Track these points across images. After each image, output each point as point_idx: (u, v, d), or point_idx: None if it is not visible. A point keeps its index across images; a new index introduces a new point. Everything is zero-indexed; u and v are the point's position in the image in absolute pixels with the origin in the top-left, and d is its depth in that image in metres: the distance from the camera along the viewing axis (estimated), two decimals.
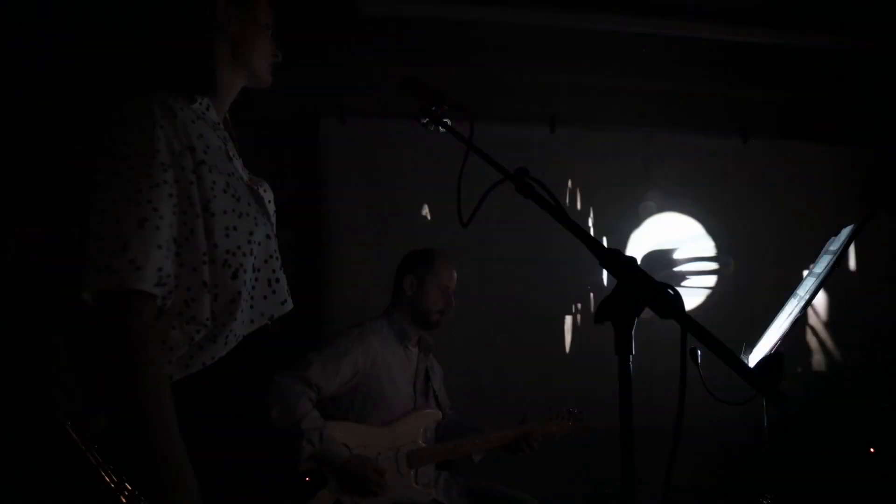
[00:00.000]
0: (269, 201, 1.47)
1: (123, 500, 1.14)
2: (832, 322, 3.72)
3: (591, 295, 3.82)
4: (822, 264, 2.33)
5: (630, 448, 1.04)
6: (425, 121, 1.48)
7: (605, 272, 3.62)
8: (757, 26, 3.43)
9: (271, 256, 1.36)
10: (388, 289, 2.77)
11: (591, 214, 3.85)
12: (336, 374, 2.48)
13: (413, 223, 3.64)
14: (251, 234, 1.31)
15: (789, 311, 2.36)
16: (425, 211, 3.68)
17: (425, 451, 2.58)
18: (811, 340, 3.77)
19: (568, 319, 3.80)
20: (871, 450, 3.35)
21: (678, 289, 1.04)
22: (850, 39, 3.52)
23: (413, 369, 2.69)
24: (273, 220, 1.46)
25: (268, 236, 1.36)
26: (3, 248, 3.16)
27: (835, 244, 2.33)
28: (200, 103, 1.36)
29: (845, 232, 2.30)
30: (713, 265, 3.91)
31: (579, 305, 3.80)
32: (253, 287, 1.33)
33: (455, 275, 2.73)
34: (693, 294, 3.86)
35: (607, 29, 3.39)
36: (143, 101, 1.25)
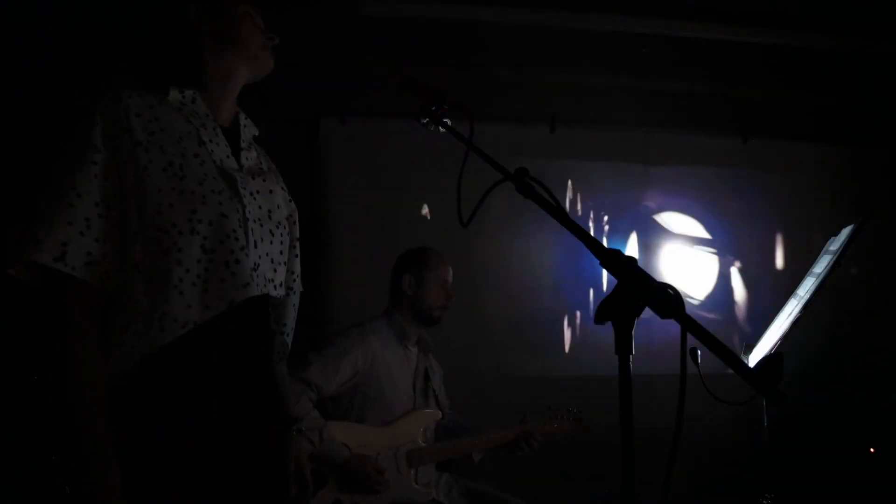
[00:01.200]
0: (271, 191, 1.46)
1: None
2: (832, 322, 3.72)
3: (591, 295, 3.82)
4: (822, 264, 2.33)
5: (630, 448, 1.04)
6: (425, 121, 1.48)
7: (605, 272, 3.61)
8: (757, 26, 3.43)
9: (228, 237, 1.31)
10: (387, 289, 2.77)
11: (591, 214, 3.85)
12: (336, 374, 2.48)
13: (413, 223, 3.63)
14: (193, 211, 1.29)
15: (789, 311, 2.36)
16: (425, 211, 3.68)
17: (425, 450, 2.58)
18: (811, 340, 3.76)
19: (568, 319, 3.79)
20: (871, 450, 3.35)
21: (678, 289, 1.04)
22: (850, 39, 3.52)
23: (413, 369, 2.69)
24: (264, 210, 1.41)
25: (223, 215, 1.31)
26: (2, 248, 3.16)
27: (835, 244, 2.34)
28: (184, 95, 1.40)
29: (845, 232, 2.31)
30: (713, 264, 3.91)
31: (579, 305, 3.80)
32: (206, 269, 1.29)
33: (451, 269, 2.73)
34: (692, 295, 3.86)
35: (607, 29, 3.39)
36: (99, 94, 1.31)
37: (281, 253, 1.46)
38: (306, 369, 2.44)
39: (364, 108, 3.58)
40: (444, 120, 1.47)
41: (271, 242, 1.41)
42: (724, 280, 3.89)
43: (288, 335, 1.61)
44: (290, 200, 1.53)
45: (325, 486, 2.41)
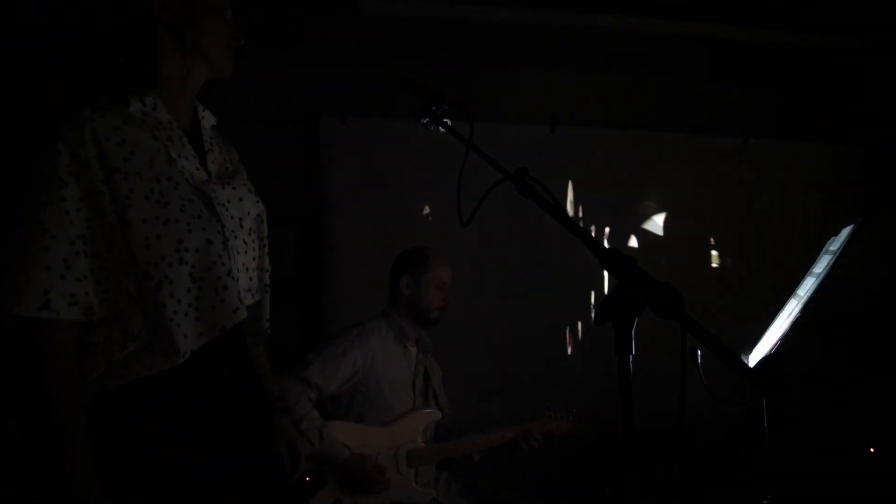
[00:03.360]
0: (241, 199, 1.40)
1: None
2: (832, 322, 3.72)
3: (592, 295, 3.82)
4: (822, 264, 2.33)
5: (630, 448, 1.04)
6: (425, 121, 1.48)
7: (605, 272, 3.62)
8: (757, 26, 3.43)
9: (215, 263, 1.29)
10: (387, 289, 2.77)
11: (592, 214, 3.85)
12: (335, 374, 2.48)
13: (413, 223, 3.63)
14: (180, 241, 1.24)
15: (789, 311, 2.36)
16: (426, 211, 3.68)
17: (425, 450, 2.58)
18: (811, 340, 3.76)
19: (568, 319, 3.79)
20: (871, 450, 3.35)
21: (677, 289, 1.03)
22: (849, 39, 3.52)
23: (412, 369, 2.69)
24: (236, 219, 1.38)
25: (209, 241, 1.28)
26: None
27: (835, 244, 2.33)
28: (144, 103, 1.30)
29: (845, 232, 2.30)
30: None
31: (580, 306, 3.80)
32: (197, 298, 1.27)
33: (450, 270, 2.72)
34: (691, 295, 3.85)
35: (607, 29, 3.39)
36: (57, 119, 1.23)
37: (254, 259, 1.44)
38: (306, 369, 2.44)
39: (364, 108, 3.58)
40: (444, 120, 1.47)
41: (245, 252, 1.40)
42: (723, 280, 3.89)
43: (268, 321, 1.58)
44: (257, 201, 1.46)
45: (325, 485, 2.41)
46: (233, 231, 1.36)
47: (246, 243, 1.40)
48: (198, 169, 1.35)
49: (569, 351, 3.77)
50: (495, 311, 3.64)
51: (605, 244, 1.14)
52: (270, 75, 3.35)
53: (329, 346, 2.54)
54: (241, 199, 1.40)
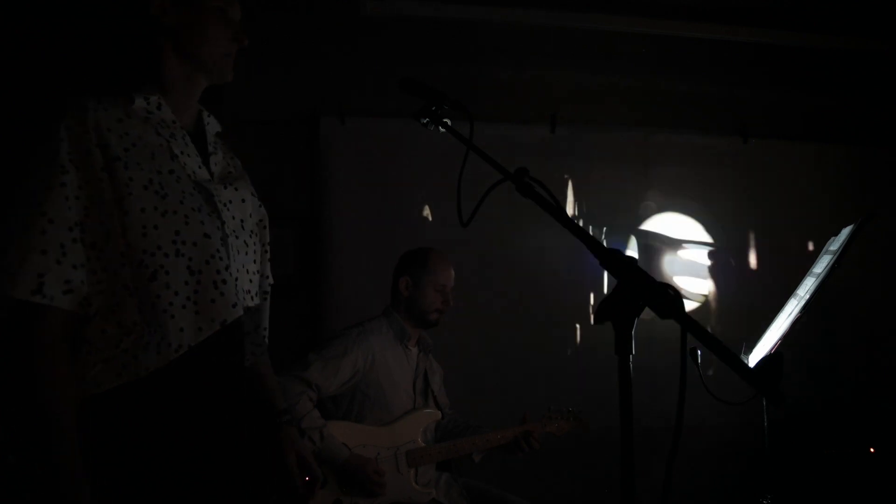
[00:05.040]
0: (244, 200, 1.42)
1: None
2: (832, 322, 3.72)
3: (592, 295, 3.82)
4: (822, 264, 2.33)
5: (630, 448, 1.03)
6: (425, 121, 1.48)
7: (605, 272, 3.62)
8: (757, 26, 3.43)
9: (213, 257, 1.29)
10: (388, 289, 2.76)
11: (591, 214, 3.85)
12: (335, 374, 2.48)
13: (413, 223, 3.64)
14: (177, 233, 1.25)
15: (789, 311, 2.36)
16: (425, 211, 3.68)
17: (425, 450, 2.58)
18: (811, 340, 3.76)
19: (568, 319, 3.79)
20: (871, 450, 3.35)
21: (678, 289, 1.04)
22: (849, 39, 3.52)
23: (412, 369, 2.69)
24: (237, 219, 1.40)
25: (206, 235, 1.29)
26: None
27: (835, 244, 2.34)
28: (148, 102, 1.32)
29: (845, 232, 2.30)
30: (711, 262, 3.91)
31: (580, 306, 3.80)
32: (195, 291, 1.27)
33: (452, 272, 2.71)
34: (692, 295, 3.86)
35: (607, 29, 3.39)
36: (59, 107, 1.24)
37: (254, 262, 1.44)
38: (306, 369, 2.44)
39: (364, 108, 3.58)
40: (444, 120, 1.47)
41: (246, 253, 1.40)
42: (723, 280, 3.89)
43: (265, 329, 1.58)
44: (259, 206, 1.48)
45: (326, 485, 2.41)
46: (233, 231, 1.37)
47: (247, 245, 1.41)
48: (200, 167, 1.36)
49: (569, 351, 3.78)
50: (495, 312, 3.64)
51: (605, 244, 1.14)
52: (270, 75, 3.35)
53: (329, 346, 2.54)
54: (242, 201, 1.42)
